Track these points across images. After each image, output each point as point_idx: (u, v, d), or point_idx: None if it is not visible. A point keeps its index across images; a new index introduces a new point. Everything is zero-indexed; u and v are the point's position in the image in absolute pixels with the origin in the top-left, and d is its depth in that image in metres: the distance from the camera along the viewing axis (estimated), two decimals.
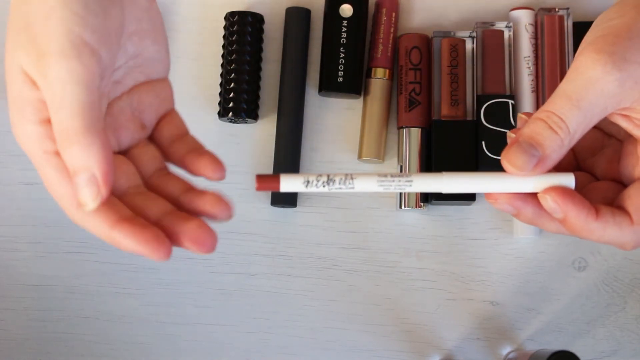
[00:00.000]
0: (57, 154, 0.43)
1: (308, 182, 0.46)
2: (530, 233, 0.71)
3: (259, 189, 0.46)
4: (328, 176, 0.46)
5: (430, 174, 0.47)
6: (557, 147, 0.45)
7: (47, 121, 0.43)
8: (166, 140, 0.49)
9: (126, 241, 0.43)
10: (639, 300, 0.71)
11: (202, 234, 0.44)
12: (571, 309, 0.71)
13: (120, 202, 0.45)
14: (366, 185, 0.46)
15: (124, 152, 0.49)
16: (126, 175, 0.47)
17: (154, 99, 0.49)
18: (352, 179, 0.46)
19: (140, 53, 0.48)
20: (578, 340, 0.71)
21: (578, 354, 0.63)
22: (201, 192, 0.46)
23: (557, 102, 0.45)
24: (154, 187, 0.48)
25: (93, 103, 0.42)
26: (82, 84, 0.42)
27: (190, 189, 0.47)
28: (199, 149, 0.49)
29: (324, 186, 0.46)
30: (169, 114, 0.50)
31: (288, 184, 0.46)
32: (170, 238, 0.44)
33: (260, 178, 0.46)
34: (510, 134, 0.48)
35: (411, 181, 0.46)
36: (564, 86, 0.46)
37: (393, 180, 0.46)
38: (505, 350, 0.71)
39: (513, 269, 0.72)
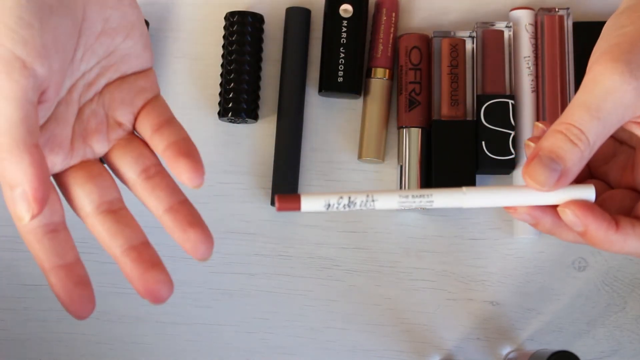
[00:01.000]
0: None
1: (329, 205, 0.46)
2: (530, 233, 0.71)
3: (279, 209, 0.46)
4: (349, 198, 0.46)
5: (450, 190, 0.47)
6: (577, 160, 0.45)
7: None
8: (147, 134, 0.48)
9: (54, 288, 0.45)
10: (639, 300, 0.71)
11: (157, 287, 0.46)
12: (571, 309, 0.71)
13: (69, 241, 0.46)
14: (387, 205, 0.46)
15: (107, 156, 0.48)
16: (99, 191, 0.46)
17: (127, 94, 0.48)
18: (373, 200, 0.46)
19: (112, 51, 0.47)
20: (578, 340, 0.71)
21: (578, 354, 0.63)
22: (184, 224, 0.46)
23: (576, 113, 0.45)
24: (139, 195, 0.47)
25: (24, 119, 0.42)
26: (11, 100, 0.41)
27: (173, 209, 0.46)
28: (178, 144, 0.47)
29: (344, 208, 0.46)
30: (149, 103, 0.49)
31: (309, 204, 0.46)
32: (126, 275, 0.45)
33: (281, 198, 0.46)
34: (529, 143, 0.48)
35: (432, 200, 0.46)
36: (582, 97, 0.45)
37: (414, 200, 0.46)
38: (505, 350, 0.71)
39: (513, 269, 0.72)
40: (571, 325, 0.71)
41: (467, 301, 0.71)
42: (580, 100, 0.45)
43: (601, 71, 0.45)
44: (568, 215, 0.46)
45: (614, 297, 0.71)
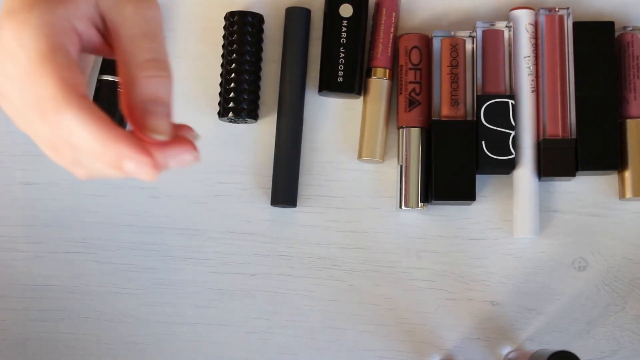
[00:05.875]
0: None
1: None
2: (530, 233, 0.71)
3: None
4: None
5: None
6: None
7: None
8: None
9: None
10: (639, 300, 0.71)
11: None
12: (571, 309, 0.71)
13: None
14: None
15: None
16: None
17: None
18: None
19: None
20: (578, 340, 0.71)
21: (578, 354, 0.63)
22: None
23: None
24: None
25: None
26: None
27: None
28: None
29: None
30: None
31: None
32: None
33: None
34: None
35: None
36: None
37: None
38: (505, 350, 0.71)
39: (513, 269, 0.72)
40: (571, 325, 0.71)
41: (467, 301, 0.71)
42: None
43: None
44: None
45: (614, 297, 0.71)
